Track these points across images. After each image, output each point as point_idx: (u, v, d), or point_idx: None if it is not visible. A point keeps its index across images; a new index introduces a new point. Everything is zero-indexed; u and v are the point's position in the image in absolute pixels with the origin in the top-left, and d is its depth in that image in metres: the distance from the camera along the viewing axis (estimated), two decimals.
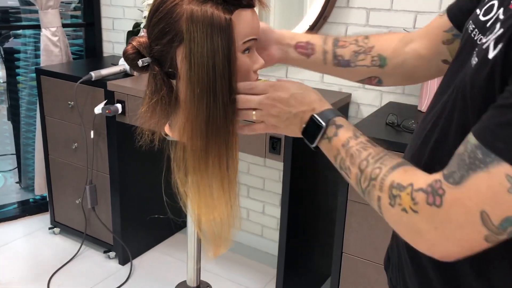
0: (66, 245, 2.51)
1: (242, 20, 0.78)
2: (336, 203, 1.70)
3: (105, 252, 2.43)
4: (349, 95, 2.08)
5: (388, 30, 1.94)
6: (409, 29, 1.88)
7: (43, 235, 2.60)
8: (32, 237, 2.59)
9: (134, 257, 2.43)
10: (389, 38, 0.93)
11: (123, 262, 2.39)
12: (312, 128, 0.75)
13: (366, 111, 2.07)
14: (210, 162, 0.81)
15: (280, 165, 2.33)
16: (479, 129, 0.55)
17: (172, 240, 2.63)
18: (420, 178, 0.61)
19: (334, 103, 1.98)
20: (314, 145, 0.76)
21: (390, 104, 1.97)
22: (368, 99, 2.06)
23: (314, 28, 2.06)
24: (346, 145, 0.72)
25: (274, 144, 1.77)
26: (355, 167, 0.69)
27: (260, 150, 1.81)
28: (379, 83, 0.94)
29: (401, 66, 0.91)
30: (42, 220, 2.72)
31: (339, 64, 0.91)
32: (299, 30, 2.10)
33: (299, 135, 0.79)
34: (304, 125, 0.77)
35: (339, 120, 0.75)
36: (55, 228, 2.60)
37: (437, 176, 0.59)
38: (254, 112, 0.79)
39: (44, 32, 2.46)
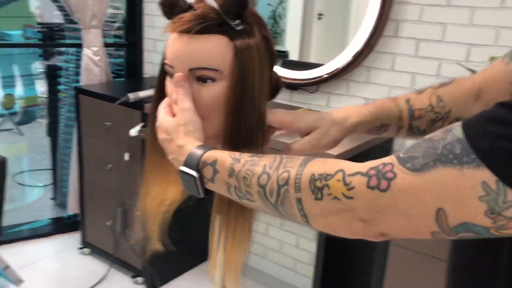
0: (94, 267, 2.47)
1: (170, 42, 0.75)
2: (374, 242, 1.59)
3: (133, 277, 2.38)
4: None
5: (438, 62, 1.83)
6: (462, 61, 1.77)
7: (73, 255, 2.57)
8: (62, 256, 2.57)
9: (162, 283, 2.36)
10: (461, 95, 0.83)
11: (150, 287, 2.33)
12: (188, 182, 0.68)
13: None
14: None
15: None
16: (470, 121, 0.49)
17: (201, 268, 2.56)
18: (352, 165, 0.55)
19: (378, 137, 1.87)
20: (201, 196, 0.69)
21: None
22: None
23: (359, 57, 1.97)
24: (232, 174, 0.64)
25: None
26: (255, 187, 0.61)
27: None
28: None
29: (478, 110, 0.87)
30: (73, 239, 2.70)
31: (414, 134, 0.84)
32: (342, 59, 2.02)
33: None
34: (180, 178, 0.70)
35: (209, 155, 0.67)
36: (85, 249, 2.57)
37: (387, 159, 0.53)
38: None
39: (86, 51, 2.46)
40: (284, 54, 2.33)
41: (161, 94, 0.80)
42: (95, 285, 2.32)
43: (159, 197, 0.84)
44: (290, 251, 2.44)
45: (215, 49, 0.71)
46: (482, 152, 0.46)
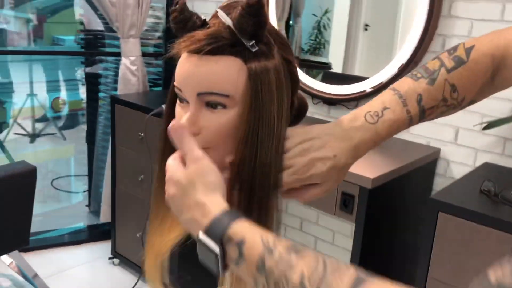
0: (123, 278, 2.44)
1: (180, 62, 0.67)
2: (415, 275, 1.47)
3: None
4: (438, 151, 1.85)
5: None
6: None
7: (103, 264, 2.55)
8: (92, 265, 2.55)
9: None
10: (477, 80, 0.74)
11: None
12: (206, 255, 0.59)
13: (456, 171, 1.82)
14: None
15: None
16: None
17: None
18: None
19: (421, 158, 1.75)
20: (220, 275, 0.59)
21: (487, 166, 1.71)
22: (460, 157, 1.81)
23: (403, 73, 1.86)
24: (262, 270, 0.54)
25: (346, 200, 1.57)
26: None
27: (329, 206, 1.63)
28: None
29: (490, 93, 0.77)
30: (105, 248, 2.68)
31: (422, 121, 0.74)
32: (385, 74, 1.91)
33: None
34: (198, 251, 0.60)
35: (237, 230, 0.56)
36: (114, 259, 2.55)
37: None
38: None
39: (124, 61, 2.45)
40: (326, 66, 2.25)
41: (170, 120, 0.73)
42: None
43: (158, 249, 0.80)
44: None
45: (227, 72, 0.64)
46: None
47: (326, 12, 2.21)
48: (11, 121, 4.04)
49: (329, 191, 0.70)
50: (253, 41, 0.64)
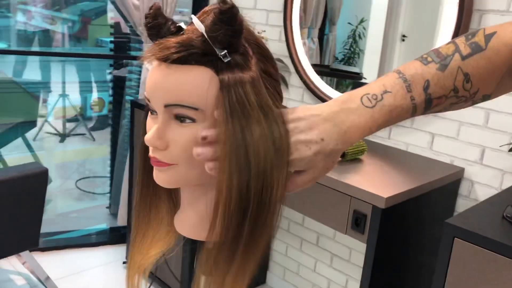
0: None
1: (150, 70, 0.62)
2: None
3: None
4: (462, 170, 1.74)
5: None
6: None
7: (117, 268, 2.54)
8: (106, 268, 2.54)
9: None
10: (496, 71, 0.65)
11: None
12: None
13: (481, 193, 1.71)
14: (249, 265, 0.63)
15: None
16: None
17: None
18: None
19: (443, 177, 1.66)
20: None
21: None
22: (485, 178, 1.70)
23: None
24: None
25: (358, 219, 1.50)
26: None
27: (341, 224, 1.55)
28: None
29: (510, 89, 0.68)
30: (120, 252, 2.68)
31: (427, 112, 0.66)
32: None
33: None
34: None
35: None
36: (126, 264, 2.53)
37: None
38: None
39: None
40: (357, 76, 2.18)
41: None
42: None
43: (139, 266, 0.77)
44: None
45: (196, 84, 0.58)
46: None
47: (362, 21, 2.15)
48: (41, 120, 4.12)
49: (315, 180, 0.62)
50: (225, 51, 0.59)
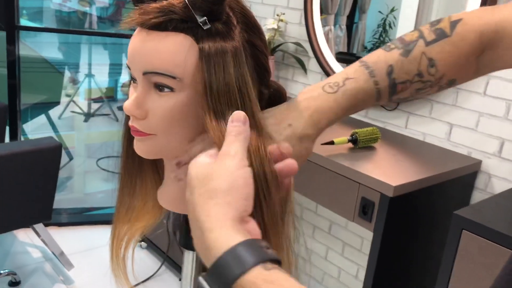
0: (148, 262, 2.45)
1: (132, 37, 0.61)
2: None
3: (180, 279, 2.31)
4: (479, 163, 1.69)
5: None
6: None
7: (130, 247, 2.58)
8: None
9: None
10: (461, 56, 0.64)
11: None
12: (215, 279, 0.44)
13: (498, 187, 1.66)
14: None
15: None
16: None
17: None
18: None
19: (458, 169, 1.61)
20: None
21: None
22: (504, 171, 1.64)
23: None
24: None
25: (366, 207, 1.47)
26: None
27: (348, 211, 1.53)
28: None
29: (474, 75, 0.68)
30: None
31: (393, 98, 0.66)
32: None
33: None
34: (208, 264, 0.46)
35: (252, 279, 0.42)
36: (142, 242, 2.56)
37: None
38: None
39: None
40: None
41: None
42: (144, 280, 2.29)
43: (123, 238, 0.77)
44: (349, 281, 2.22)
45: (175, 51, 0.57)
46: None
47: (392, 10, 2.09)
48: (67, 99, 4.18)
49: None
50: (205, 18, 0.57)
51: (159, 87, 0.59)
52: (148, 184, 0.76)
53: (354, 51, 2.23)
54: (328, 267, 2.29)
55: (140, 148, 0.64)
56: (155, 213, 0.79)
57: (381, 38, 2.14)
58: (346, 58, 2.19)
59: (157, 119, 0.60)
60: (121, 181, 0.75)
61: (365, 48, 2.20)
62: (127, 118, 0.68)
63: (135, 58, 0.59)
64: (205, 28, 0.57)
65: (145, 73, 0.59)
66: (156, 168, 0.76)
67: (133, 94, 0.62)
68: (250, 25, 0.62)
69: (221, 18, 0.58)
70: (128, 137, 0.70)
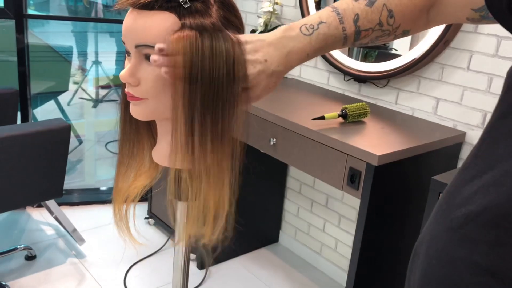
0: (155, 237, 2.58)
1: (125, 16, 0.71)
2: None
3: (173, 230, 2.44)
4: (463, 134, 1.78)
5: None
6: None
7: (139, 223, 2.70)
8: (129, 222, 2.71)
9: (213, 264, 2.40)
10: (415, 10, 0.74)
11: (200, 266, 2.37)
12: None
13: None
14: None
15: None
16: None
17: (256, 254, 2.55)
18: None
19: (443, 139, 1.71)
20: None
21: None
22: None
23: (432, 52, 1.80)
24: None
25: (353, 176, 1.57)
26: None
27: (338, 181, 1.63)
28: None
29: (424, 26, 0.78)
30: (143, 208, 2.84)
31: (356, 43, 0.75)
32: (415, 53, 1.86)
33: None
34: None
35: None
36: (150, 219, 2.69)
37: None
38: None
39: None
40: (382, 46, 2.20)
41: None
42: (151, 254, 2.42)
43: (124, 194, 0.87)
44: (346, 251, 2.33)
45: (160, 26, 0.68)
46: None
47: None
48: (76, 86, 4.30)
49: (258, 98, 0.72)
50: None
51: (149, 58, 0.70)
52: (145, 146, 0.87)
53: None
54: (326, 238, 2.41)
55: (135, 111, 0.75)
56: (151, 173, 0.91)
57: None
58: None
59: (148, 85, 0.71)
60: (120, 143, 0.86)
61: None
62: (123, 86, 0.79)
63: (128, 34, 0.70)
64: (185, 6, 0.68)
65: (136, 46, 0.70)
66: (151, 132, 0.87)
67: (127, 65, 0.74)
68: (226, 4, 0.73)
69: None
70: (125, 103, 0.82)
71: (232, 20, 0.73)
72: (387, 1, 0.72)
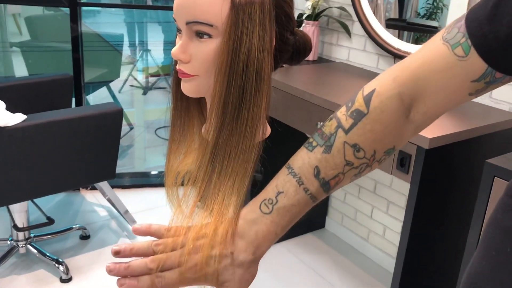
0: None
1: None
2: (467, 236, 1.42)
3: None
4: None
5: None
6: None
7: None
8: None
9: None
10: (386, 129, 0.62)
11: None
12: None
13: None
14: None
15: None
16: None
17: (302, 239, 2.55)
18: None
19: (497, 123, 1.65)
20: None
21: None
22: None
23: None
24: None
25: (403, 159, 1.54)
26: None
27: (386, 165, 1.60)
28: None
29: (414, 132, 0.65)
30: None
31: (330, 192, 0.66)
32: None
33: None
34: None
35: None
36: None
37: None
38: None
39: None
40: (436, 29, 2.15)
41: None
42: None
43: (175, 170, 0.88)
44: (393, 237, 2.30)
45: (211, 3, 0.69)
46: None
47: None
48: (126, 73, 4.41)
49: None
50: None
51: (200, 35, 0.71)
52: (195, 123, 0.89)
53: (407, 17, 2.24)
54: (374, 225, 2.38)
55: (186, 87, 0.77)
56: (202, 149, 0.92)
57: (435, 4, 2.14)
58: (397, 24, 2.20)
59: (199, 61, 0.73)
60: (172, 120, 0.88)
61: (418, 14, 2.21)
62: (175, 63, 0.80)
63: (179, 11, 0.72)
64: None
65: (187, 23, 0.71)
66: (201, 110, 0.89)
67: (178, 42, 0.75)
68: None
69: None
70: (176, 80, 0.83)
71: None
72: (347, 138, 0.61)
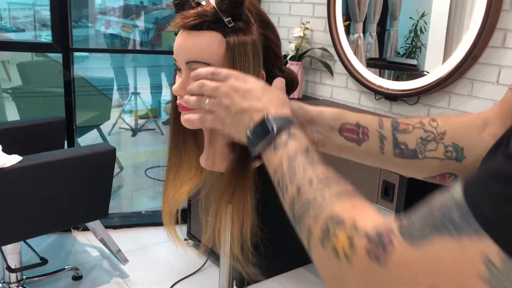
0: (194, 258, 2.65)
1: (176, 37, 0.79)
2: None
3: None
4: None
5: None
6: None
7: (178, 244, 2.78)
8: (168, 244, 2.80)
9: (251, 283, 2.44)
10: (461, 122, 0.71)
11: (239, 285, 2.42)
12: (260, 131, 0.64)
13: None
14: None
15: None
16: (471, 179, 0.41)
17: (293, 274, 2.58)
18: (368, 218, 0.48)
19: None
20: (256, 152, 0.64)
21: None
22: None
23: (460, 68, 1.85)
24: (291, 159, 0.59)
25: (387, 189, 1.62)
26: (294, 187, 0.57)
27: (372, 194, 1.68)
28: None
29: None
30: (183, 230, 2.92)
31: (402, 155, 0.71)
32: (443, 69, 1.91)
33: (244, 137, 0.67)
34: (252, 125, 0.65)
35: (295, 130, 0.62)
36: (189, 240, 2.76)
37: (392, 224, 0.45)
38: (207, 100, 0.72)
39: None
40: (414, 67, 2.22)
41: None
42: (191, 274, 2.49)
43: (172, 199, 0.95)
44: None
45: (208, 44, 0.77)
46: (484, 219, 0.37)
47: (423, 15, 2.17)
48: (115, 116, 4.49)
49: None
50: (230, 18, 0.76)
51: None
52: (191, 154, 0.96)
53: (387, 57, 2.33)
54: None
55: (186, 120, 0.84)
56: (197, 179, 0.99)
57: (413, 43, 2.22)
58: (378, 63, 2.29)
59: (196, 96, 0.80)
60: (169, 151, 0.95)
61: (398, 53, 2.31)
62: (174, 99, 0.88)
63: (179, 52, 0.80)
64: (230, 26, 0.77)
65: (187, 62, 0.79)
66: (196, 142, 0.96)
67: (178, 80, 0.83)
68: (265, 23, 0.82)
69: (242, 18, 0.78)
70: (175, 115, 0.91)
71: (270, 36, 0.82)
72: (427, 118, 0.71)
